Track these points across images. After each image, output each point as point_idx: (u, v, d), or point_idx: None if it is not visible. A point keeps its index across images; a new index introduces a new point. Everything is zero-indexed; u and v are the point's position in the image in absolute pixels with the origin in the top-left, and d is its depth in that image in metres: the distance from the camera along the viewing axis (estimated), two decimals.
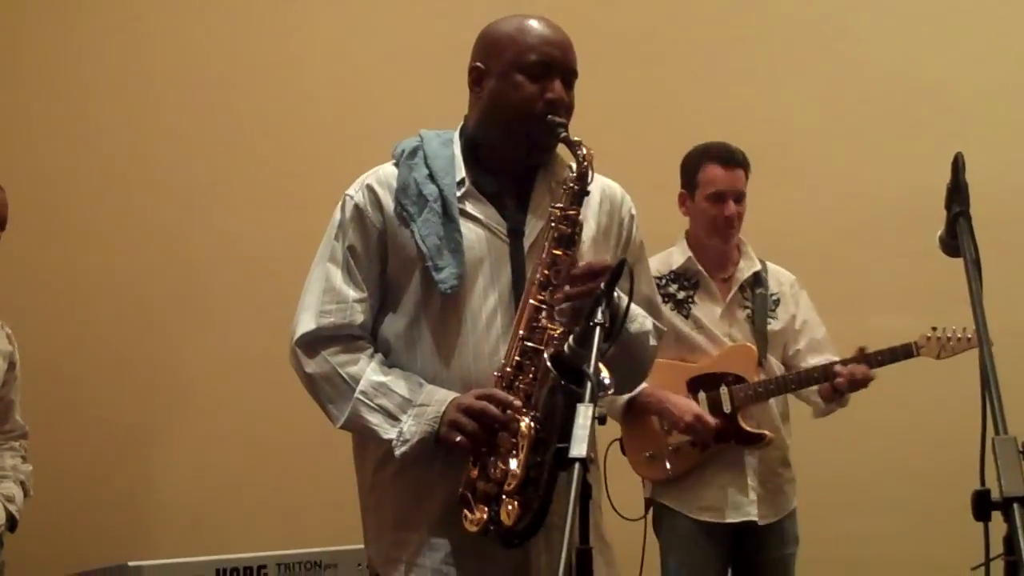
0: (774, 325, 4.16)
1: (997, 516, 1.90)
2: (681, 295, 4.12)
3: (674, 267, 4.15)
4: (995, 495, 1.88)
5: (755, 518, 4.03)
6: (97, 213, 5.57)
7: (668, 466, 4.06)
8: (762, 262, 4.22)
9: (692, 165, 4.18)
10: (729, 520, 4.05)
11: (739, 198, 4.13)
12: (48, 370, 4.81)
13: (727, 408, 4.05)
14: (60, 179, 5.58)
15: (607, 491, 3.99)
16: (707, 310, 4.13)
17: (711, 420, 4.00)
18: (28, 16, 5.70)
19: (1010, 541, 1.82)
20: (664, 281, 4.12)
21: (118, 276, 5.52)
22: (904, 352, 4.07)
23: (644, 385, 4.01)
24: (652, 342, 2.82)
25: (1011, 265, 4.96)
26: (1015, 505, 1.81)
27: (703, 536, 4.06)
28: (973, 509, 1.90)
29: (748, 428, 4.05)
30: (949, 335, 4.03)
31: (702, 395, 4.08)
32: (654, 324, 2.84)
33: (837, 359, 4.11)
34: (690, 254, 4.15)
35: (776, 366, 4.16)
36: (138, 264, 5.53)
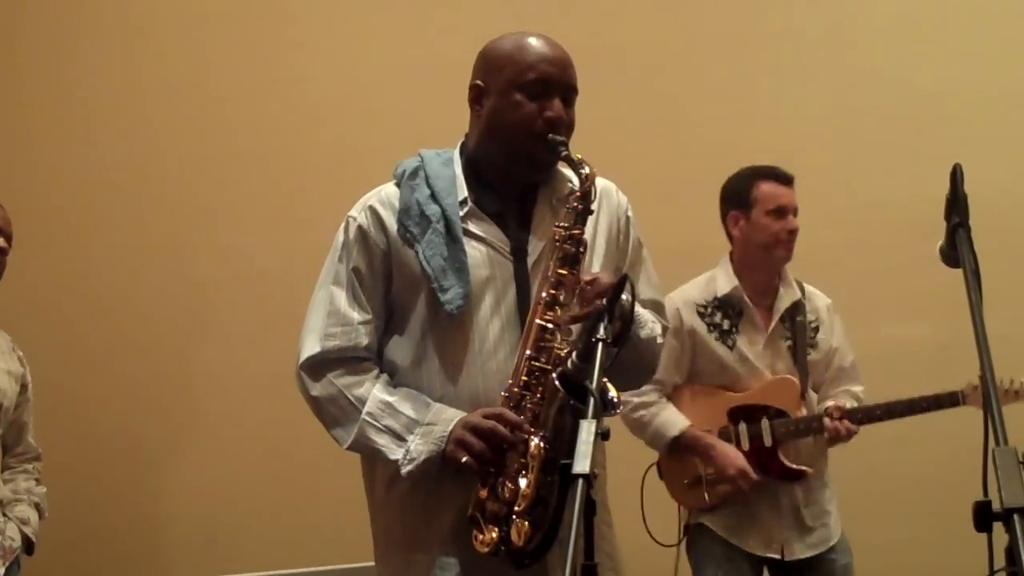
0: (814, 355, 4.15)
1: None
2: (726, 325, 4.10)
3: (719, 294, 4.12)
4: (997, 506, 1.88)
5: (783, 556, 4.02)
6: (105, 232, 5.59)
7: (706, 497, 4.06)
8: (800, 287, 4.20)
9: (742, 185, 4.14)
10: (760, 554, 4.05)
11: (796, 213, 4.11)
12: (58, 391, 4.82)
13: (768, 442, 4.04)
14: (67, 199, 5.60)
15: (644, 517, 4.02)
16: (750, 341, 4.09)
17: (753, 475, 3.99)
18: (32, 37, 5.72)
19: (1011, 552, 1.81)
20: (709, 309, 4.11)
21: (127, 295, 5.54)
22: (949, 400, 4.03)
23: (689, 424, 4.05)
24: (660, 341, 2.84)
25: (1018, 272, 4.95)
26: (1015, 516, 1.81)
27: (735, 557, 4.05)
28: (974, 520, 1.90)
29: (789, 464, 4.05)
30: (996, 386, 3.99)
31: (743, 427, 4.07)
32: (661, 324, 2.86)
33: (857, 388, 4.15)
34: (736, 282, 4.11)
35: (815, 398, 4.16)
36: (147, 283, 5.55)
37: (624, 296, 2.44)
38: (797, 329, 4.13)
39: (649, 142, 5.42)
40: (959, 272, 2.31)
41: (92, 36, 5.75)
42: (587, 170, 2.61)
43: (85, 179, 5.65)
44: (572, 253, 2.60)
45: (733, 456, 4.02)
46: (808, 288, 4.23)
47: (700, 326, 4.08)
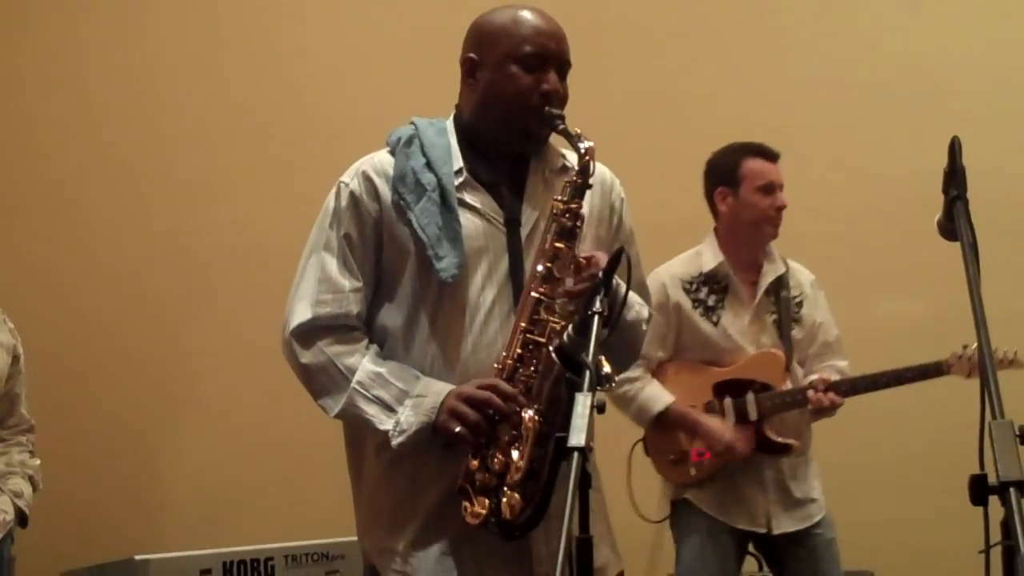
0: (798, 331, 4.15)
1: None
2: (711, 300, 4.09)
3: (704, 269, 4.12)
4: (993, 479, 1.88)
5: (770, 530, 4.04)
6: (101, 207, 5.58)
7: (692, 472, 4.07)
8: (784, 262, 4.20)
9: (729, 162, 4.13)
10: (745, 528, 4.06)
11: (782, 188, 4.12)
12: (55, 364, 4.83)
13: (753, 416, 4.03)
14: (64, 173, 5.59)
15: (631, 493, 4.01)
16: (736, 316, 4.10)
17: (742, 449, 4.00)
18: (31, 12, 5.71)
19: (1007, 525, 1.81)
20: (694, 285, 4.11)
21: (123, 269, 5.54)
22: (935, 370, 4.04)
23: (674, 399, 4.04)
24: (644, 327, 2.84)
25: (1015, 247, 4.95)
26: (1011, 489, 1.81)
27: (720, 533, 4.06)
28: (970, 494, 1.90)
29: (773, 438, 4.05)
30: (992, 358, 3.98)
31: (728, 401, 4.07)
32: (648, 310, 2.86)
33: (842, 363, 4.15)
34: (722, 258, 4.11)
35: (801, 372, 4.16)
36: (143, 257, 5.55)
37: (617, 281, 2.44)
38: (782, 304, 4.13)
39: (648, 116, 5.42)
40: (956, 246, 2.31)
41: (90, 11, 5.73)
42: (586, 144, 2.60)
43: (82, 154, 5.63)
44: (569, 227, 2.59)
45: (720, 429, 4.02)
46: (792, 264, 4.22)
47: (685, 301, 4.08)
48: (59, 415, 4.65)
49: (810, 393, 4.00)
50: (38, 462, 3.99)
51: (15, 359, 3.95)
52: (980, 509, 1.96)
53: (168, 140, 5.62)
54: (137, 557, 3.99)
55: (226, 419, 5.41)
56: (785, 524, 4.04)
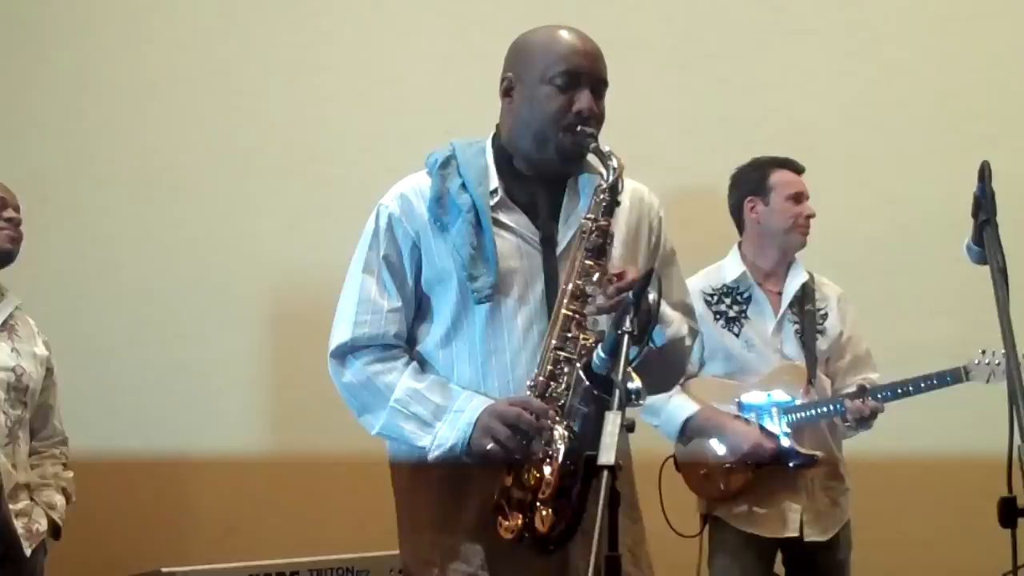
0: (822, 342, 4.17)
1: None
2: (733, 311, 4.13)
3: (727, 281, 4.17)
4: (1022, 502, 1.88)
5: (802, 535, 4.04)
6: (128, 223, 5.59)
7: (721, 486, 4.08)
8: (810, 274, 4.23)
9: (758, 173, 4.25)
10: (776, 536, 4.07)
11: (808, 200, 4.22)
12: (81, 377, 4.83)
13: (777, 429, 4.05)
14: (91, 189, 5.60)
15: (663, 508, 4.02)
16: (759, 327, 4.14)
17: (769, 448, 4.02)
18: (58, 27, 5.73)
19: None
20: (716, 297, 4.15)
21: (150, 283, 5.54)
22: (953, 376, 4.03)
23: (700, 407, 4.07)
24: (688, 343, 2.85)
25: None
26: None
27: (750, 548, 4.08)
28: (999, 516, 1.90)
29: (799, 450, 4.06)
30: (999, 360, 3.94)
31: (753, 415, 4.09)
32: (689, 326, 2.87)
33: (874, 376, 4.16)
34: (744, 268, 4.16)
35: (827, 384, 4.17)
36: (170, 271, 5.56)
37: (650, 293, 2.46)
38: (805, 316, 4.16)
39: (673, 137, 5.41)
40: (983, 269, 2.32)
41: (117, 26, 5.75)
42: (616, 162, 2.63)
43: (109, 169, 5.64)
44: (599, 244, 2.62)
45: (745, 432, 4.05)
46: (819, 278, 4.27)
47: (707, 313, 4.11)
48: (85, 428, 4.67)
49: (847, 402, 4.01)
50: (71, 474, 4.01)
51: (48, 371, 3.98)
52: (1003, 531, 1.97)
53: (195, 156, 5.62)
54: (164, 570, 4.00)
55: (251, 434, 5.42)
56: (813, 533, 4.06)
